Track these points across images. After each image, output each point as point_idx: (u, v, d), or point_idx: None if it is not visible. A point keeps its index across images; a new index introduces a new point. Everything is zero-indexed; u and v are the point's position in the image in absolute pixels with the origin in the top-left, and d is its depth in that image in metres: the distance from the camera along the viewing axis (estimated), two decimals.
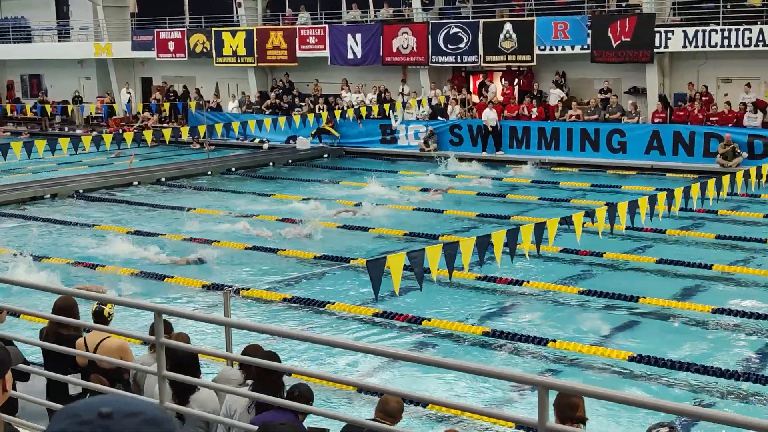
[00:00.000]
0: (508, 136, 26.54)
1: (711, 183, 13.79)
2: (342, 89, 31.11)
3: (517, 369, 9.95)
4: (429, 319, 12.29)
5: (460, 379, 9.79)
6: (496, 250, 9.97)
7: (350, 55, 30.72)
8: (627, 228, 14.68)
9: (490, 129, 26.51)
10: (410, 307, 12.73)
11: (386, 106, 28.35)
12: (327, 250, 16.26)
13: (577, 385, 4.39)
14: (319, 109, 30.02)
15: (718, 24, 24.43)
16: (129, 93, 35.92)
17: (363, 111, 28.21)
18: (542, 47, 26.97)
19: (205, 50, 34.19)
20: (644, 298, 12.94)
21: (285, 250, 16.51)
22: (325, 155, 28.87)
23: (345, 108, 29.02)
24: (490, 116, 26.11)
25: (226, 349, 7.78)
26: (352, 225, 18.48)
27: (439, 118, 28.07)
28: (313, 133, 29.39)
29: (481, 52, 27.98)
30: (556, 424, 4.13)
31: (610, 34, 25.62)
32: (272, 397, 5.52)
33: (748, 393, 9.74)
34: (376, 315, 12.53)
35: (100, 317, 7.35)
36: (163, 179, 24.92)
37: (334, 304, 13.07)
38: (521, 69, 28.85)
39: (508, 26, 27.42)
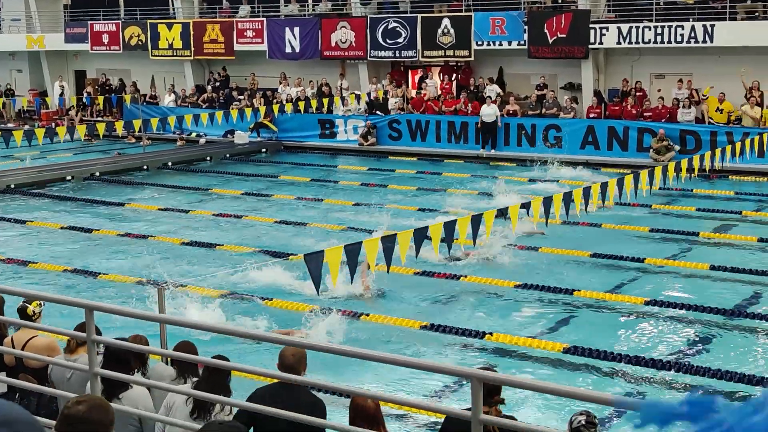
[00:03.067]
0: (446, 131, 26.65)
1: (644, 175, 14.03)
2: (280, 83, 30.93)
3: (450, 361, 9.98)
4: (368, 314, 12.29)
5: (395, 373, 9.78)
6: (434, 243, 9.99)
7: (288, 49, 30.55)
8: (563, 222, 14.93)
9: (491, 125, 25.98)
10: (350, 303, 12.71)
11: (337, 99, 28.25)
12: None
13: (509, 377, 4.42)
14: (257, 103, 29.80)
15: (651, 21, 24.87)
16: (62, 86, 35.18)
17: (301, 105, 28.07)
18: (480, 42, 27.15)
19: (140, 43, 33.66)
20: (579, 291, 13.11)
21: (223, 245, 16.35)
22: (264, 150, 28.67)
23: (283, 102, 28.85)
24: (487, 112, 25.98)
25: (160, 345, 7.66)
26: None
27: (377, 112, 28.06)
28: (251, 127, 29.15)
29: (419, 47, 28.07)
30: (489, 416, 4.15)
31: (546, 30, 25.91)
32: (215, 395, 5.44)
33: (681, 383, 9.92)
34: (313, 311, 12.45)
35: (24, 315, 7.15)
36: (97, 174, 24.46)
37: (272, 300, 12.97)
38: (459, 64, 29.01)
39: (446, 21, 27.54)
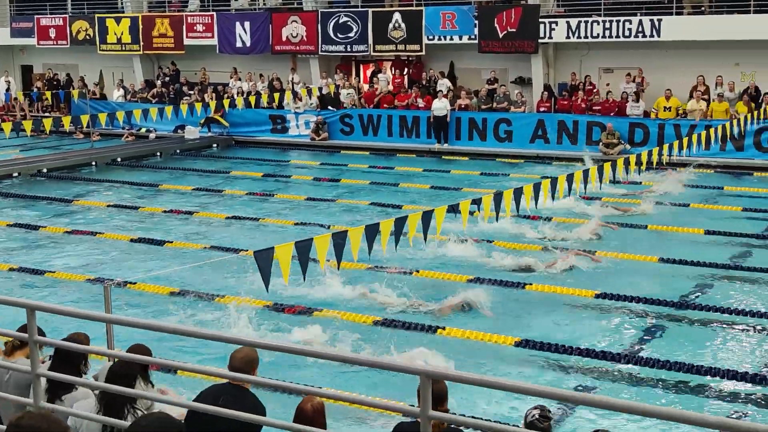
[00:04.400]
0: (398, 126, 26.65)
1: (593, 169, 14.16)
2: (231, 78, 30.66)
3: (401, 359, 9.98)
4: (321, 309, 12.24)
5: (346, 370, 9.75)
6: (384, 239, 9.98)
7: (239, 44, 30.30)
8: (513, 216, 15.02)
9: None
10: (301, 298, 12.65)
11: (288, 94, 28.06)
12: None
13: (459, 373, 4.42)
14: (208, 98, 29.51)
15: (600, 15, 25.13)
16: (8, 81, 34.46)
17: (252, 100, 27.86)
18: (431, 37, 27.20)
19: (88, 37, 33.13)
20: (530, 284, 13.20)
21: (172, 242, 16.17)
22: (215, 145, 28.41)
23: (234, 97, 28.61)
24: (438, 106, 25.84)
25: (107, 346, 7.54)
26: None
27: (329, 107, 27.97)
28: (201, 122, 28.86)
29: (370, 41, 28.04)
30: (437, 413, 4.14)
31: (496, 25, 26.03)
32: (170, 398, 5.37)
33: (632, 375, 10.04)
34: (267, 307, 12.38)
35: None
36: (44, 170, 24.03)
37: (224, 297, 12.86)
38: (410, 58, 29.03)
39: (397, 16, 27.54)
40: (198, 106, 27.39)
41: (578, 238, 15.69)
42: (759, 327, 11.50)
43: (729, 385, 9.69)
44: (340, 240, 9.59)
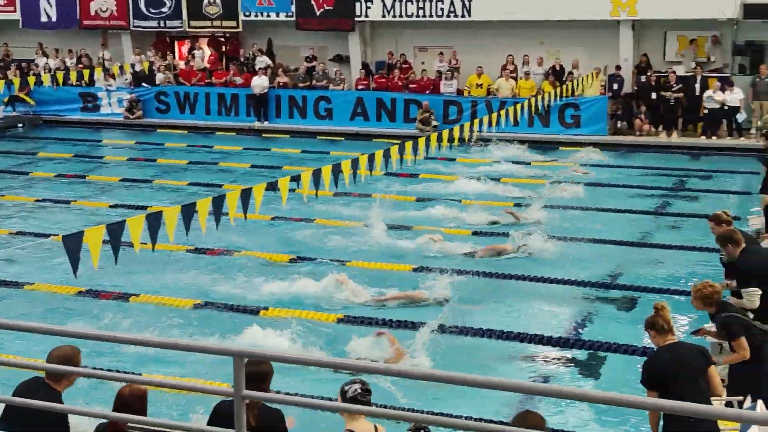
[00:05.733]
0: (216, 103, 26.21)
1: (408, 145, 14.49)
2: (36, 54, 29.11)
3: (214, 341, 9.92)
4: (138, 295, 11.93)
5: (167, 356, 9.56)
6: (201, 219, 9.82)
7: (44, 18, 28.83)
8: (336, 194, 15.16)
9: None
10: (115, 284, 12.27)
11: (98, 71, 26.91)
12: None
13: (271, 352, 4.44)
14: (12, 75, 27.88)
15: None
16: None
17: (60, 77, 26.60)
18: (247, 13, 26.87)
19: None
20: (351, 261, 13.38)
21: None
22: (21, 125, 26.94)
23: (41, 74, 27.20)
24: (258, 83, 25.39)
25: None
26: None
27: (144, 84, 27.11)
28: (5, 101, 27.24)
29: (185, 16, 27.37)
30: (250, 392, 4.15)
31: (313, 2, 26.03)
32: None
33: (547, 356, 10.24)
34: (80, 294, 11.94)
35: None
36: None
37: (33, 284, 12.30)
38: (227, 35, 28.57)
39: None
40: (0, 83, 25.83)
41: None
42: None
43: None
44: (154, 221, 9.36)
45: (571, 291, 12.21)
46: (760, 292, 7.95)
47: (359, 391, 5.64)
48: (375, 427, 5.72)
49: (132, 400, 5.40)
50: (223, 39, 28.86)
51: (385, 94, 25.16)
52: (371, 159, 13.35)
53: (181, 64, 28.30)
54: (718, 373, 6.67)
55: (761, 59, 23.61)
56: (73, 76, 27.07)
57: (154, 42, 29.20)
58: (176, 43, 29.80)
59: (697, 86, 22.70)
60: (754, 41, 24.18)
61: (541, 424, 5.10)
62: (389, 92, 25.25)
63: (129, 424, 5.12)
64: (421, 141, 15.18)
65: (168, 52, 28.90)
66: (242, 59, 27.64)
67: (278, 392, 5.05)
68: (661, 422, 6.45)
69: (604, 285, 12.35)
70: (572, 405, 8.56)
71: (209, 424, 5.43)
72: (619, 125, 23.45)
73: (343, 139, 24.54)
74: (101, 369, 8.56)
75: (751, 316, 7.93)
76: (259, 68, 26.02)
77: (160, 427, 4.79)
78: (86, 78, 27.17)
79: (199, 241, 13.40)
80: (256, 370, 5.37)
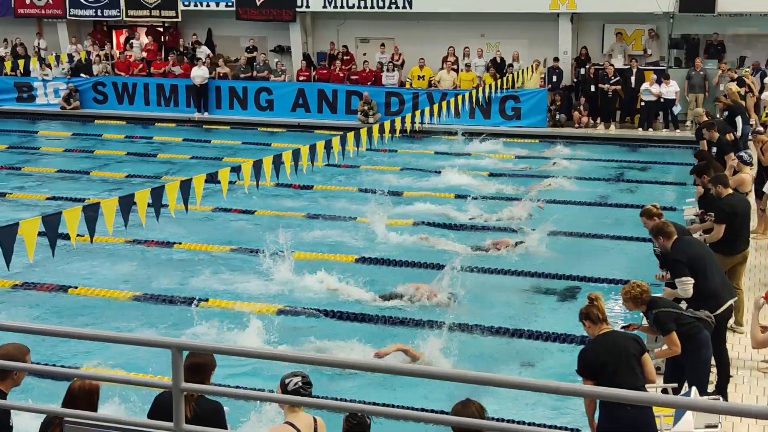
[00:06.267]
0: (155, 94, 25.86)
1: (350, 136, 14.49)
2: None
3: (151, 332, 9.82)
4: (76, 287, 11.75)
5: (103, 349, 9.43)
6: (141, 211, 9.70)
7: None
8: (277, 185, 15.09)
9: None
10: (52, 276, 12.06)
11: (34, 60, 26.31)
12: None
13: (209, 344, 4.42)
14: None
15: None
16: None
17: None
18: (187, 3, 26.55)
19: None
20: (294, 252, 13.32)
21: None
22: None
23: None
24: (198, 74, 25.02)
25: None
26: None
27: (81, 74, 26.61)
28: None
29: (122, 6, 26.94)
30: (189, 384, 4.12)
31: None
32: None
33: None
34: (15, 287, 11.71)
35: None
36: None
37: None
38: (166, 25, 28.19)
39: None
40: None
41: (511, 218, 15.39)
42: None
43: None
44: (92, 213, 9.21)
45: (513, 282, 12.34)
46: (693, 282, 8.14)
47: (300, 384, 5.64)
48: (314, 419, 5.73)
49: (81, 395, 5.35)
50: (161, 29, 28.46)
51: (327, 86, 25.08)
52: (312, 150, 13.32)
53: (118, 54, 27.82)
54: (651, 360, 6.82)
55: (696, 52, 24.12)
56: (7, 65, 26.46)
57: (91, 31, 28.69)
58: (114, 32, 29.31)
59: (633, 79, 23.11)
60: (689, 35, 24.68)
61: (481, 413, 5.17)
62: (331, 84, 25.17)
63: (76, 419, 5.04)
64: (363, 132, 15.19)
65: (105, 42, 28.41)
66: (182, 49, 27.30)
67: (219, 385, 5.02)
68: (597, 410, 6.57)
69: (544, 275, 12.50)
70: (511, 394, 8.66)
71: (149, 416, 5.40)
72: (558, 117, 23.73)
73: (284, 130, 24.40)
74: (38, 363, 8.41)
75: (685, 305, 8.12)
76: (199, 59, 25.73)
77: (100, 421, 4.72)
78: (21, 68, 26.58)
79: (138, 233, 13.24)
80: (200, 362, 5.36)
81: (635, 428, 6.24)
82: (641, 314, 7.97)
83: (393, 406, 7.59)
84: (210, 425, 5.01)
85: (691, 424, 6.72)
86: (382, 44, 25.90)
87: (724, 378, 8.41)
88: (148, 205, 9.98)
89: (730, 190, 10.23)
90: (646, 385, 6.65)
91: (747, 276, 11.42)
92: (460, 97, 20.15)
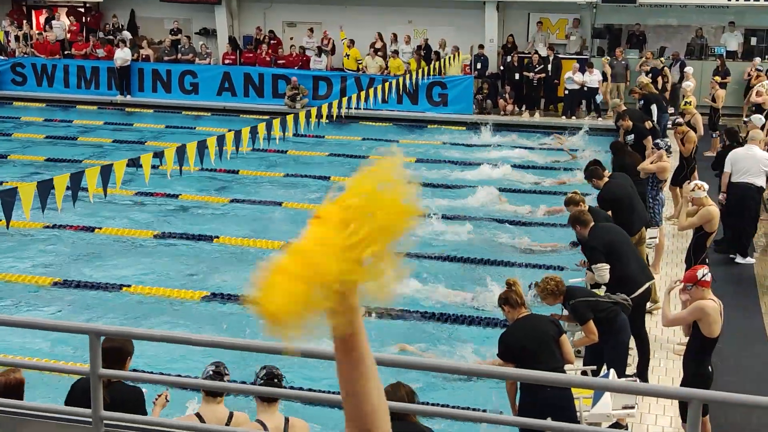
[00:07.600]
0: (76, 76, 25.25)
1: (276, 122, 14.39)
2: None
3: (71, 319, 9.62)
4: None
5: (24, 336, 9.22)
6: (58, 195, 9.48)
7: None
8: (202, 170, 14.90)
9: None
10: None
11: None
12: None
13: (128, 329, 4.35)
14: None
15: None
16: None
17: None
18: None
19: None
20: (219, 237, 13.21)
21: None
22: None
23: None
24: (121, 56, 24.39)
25: None
26: None
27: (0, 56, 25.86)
28: None
29: None
30: (106, 370, 4.06)
31: None
32: None
33: None
34: None
35: None
36: None
37: None
38: (87, 5, 27.53)
39: None
40: None
41: None
42: None
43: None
44: (8, 198, 8.97)
45: (434, 265, 12.42)
46: (608, 267, 8.35)
47: (210, 372, 5.67)
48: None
49: (8, 393, 5.23)
50: (83, 9, 27.77)
51: (253, 69, 24.81)
52: (238, 135, 13.19)
53: (38, 35, 27.06)
54: (569, 341, 6.97)
55: (618, 42, 24.60)
56: None
57: (9, 11, 27.83)
58: (33, 12, 28.49)
59: (550, 68, 23.47)
60: (612, 24, 25.16)
61: (411, 396, 5.21)
62: (257, 67, 24.92)
63: None
64: (290, 118, 15.10)
65: (24, 22, 27.59)
66: (104, 31, 26.69)
67: (135, 370, 4.95)
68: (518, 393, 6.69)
69: (460, 260, 12.61)
70: (434, 378, 8.74)
71: (66, 403, 5.30)
72: (484, 105, 23.94)
73: (209, 114, 24.09)
74: None
75: (604, 290, 8.31)
76: (121, 40, 25.18)
77: (19, 408, 4.63)
78: None
79: (58, 218, 12.94)
80: (119, 348, 5.28)
81: (556, 409, 6.38)
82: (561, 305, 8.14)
83: (312, 390, 7.58)
84: (128, 411, 4.94)
85: (609, 406, 6.89)
86: (311, 29, 25.73)
87: (644, 360, 8.65)
88: (67, 189, 9.77)
89: (606, 178, 10.45)
90: (565, 366, 6.80)
91: (664, 261, 11.76)
92: (387, 84, 20.16)
